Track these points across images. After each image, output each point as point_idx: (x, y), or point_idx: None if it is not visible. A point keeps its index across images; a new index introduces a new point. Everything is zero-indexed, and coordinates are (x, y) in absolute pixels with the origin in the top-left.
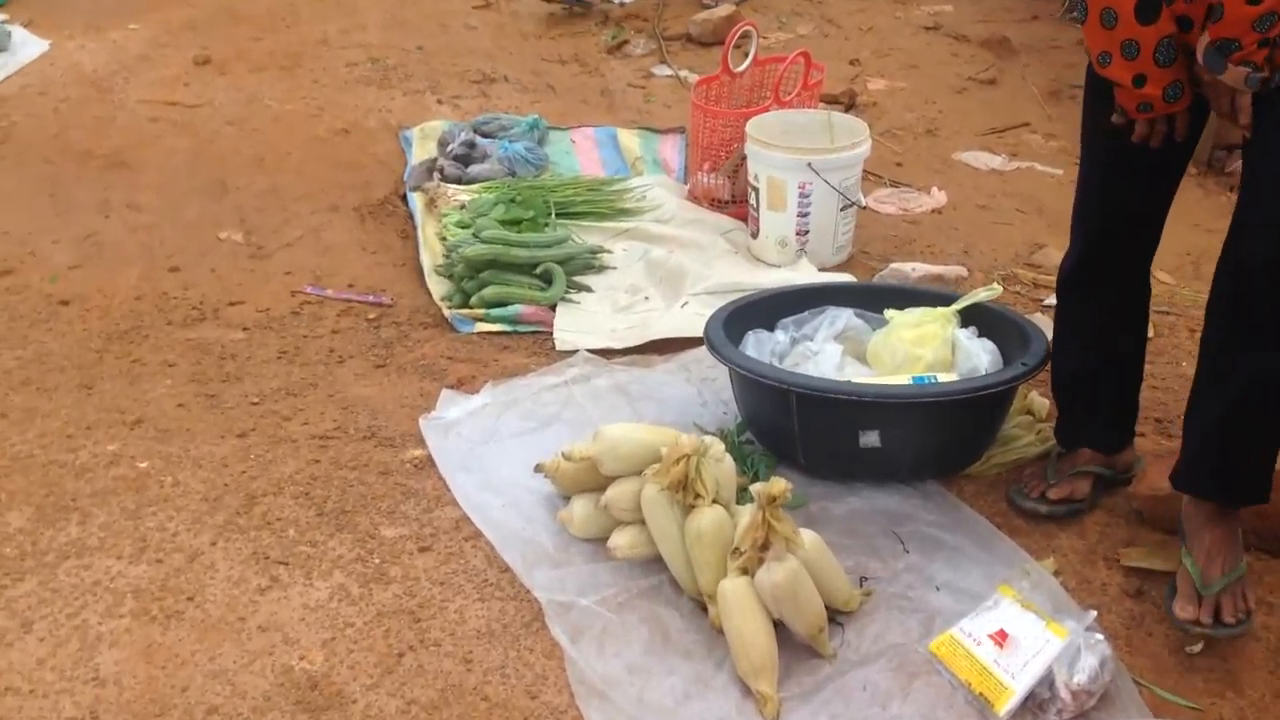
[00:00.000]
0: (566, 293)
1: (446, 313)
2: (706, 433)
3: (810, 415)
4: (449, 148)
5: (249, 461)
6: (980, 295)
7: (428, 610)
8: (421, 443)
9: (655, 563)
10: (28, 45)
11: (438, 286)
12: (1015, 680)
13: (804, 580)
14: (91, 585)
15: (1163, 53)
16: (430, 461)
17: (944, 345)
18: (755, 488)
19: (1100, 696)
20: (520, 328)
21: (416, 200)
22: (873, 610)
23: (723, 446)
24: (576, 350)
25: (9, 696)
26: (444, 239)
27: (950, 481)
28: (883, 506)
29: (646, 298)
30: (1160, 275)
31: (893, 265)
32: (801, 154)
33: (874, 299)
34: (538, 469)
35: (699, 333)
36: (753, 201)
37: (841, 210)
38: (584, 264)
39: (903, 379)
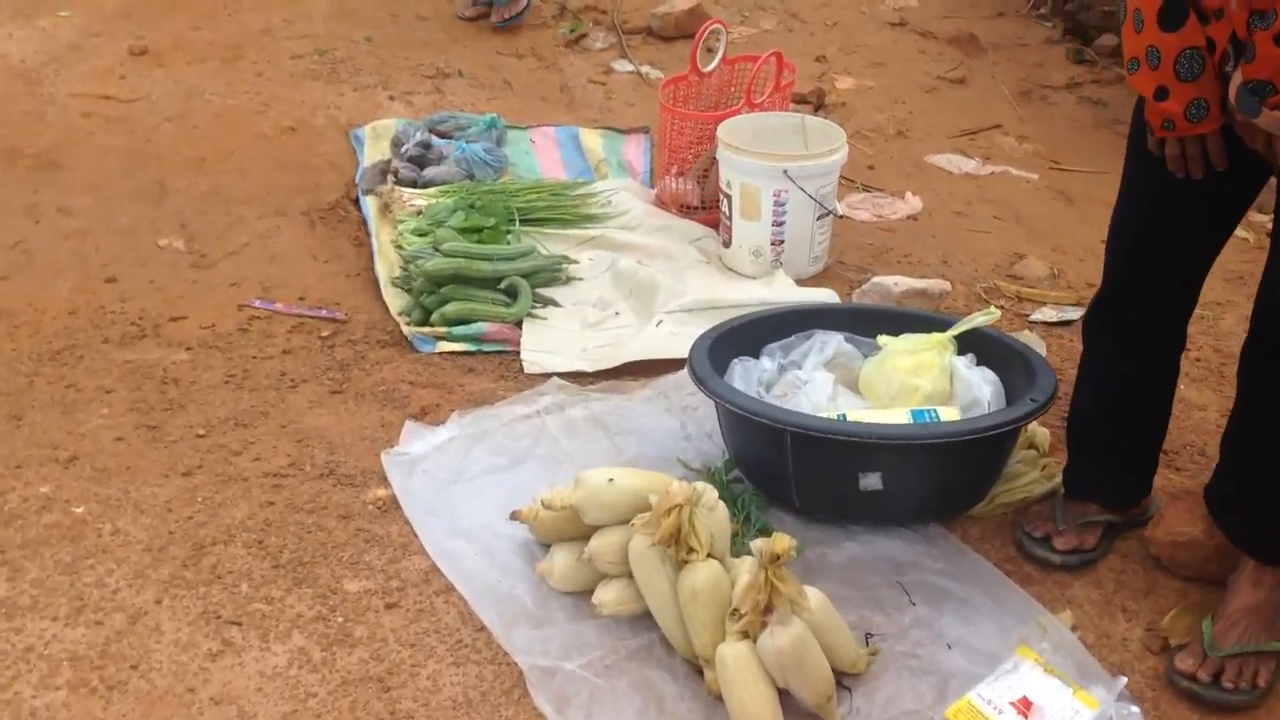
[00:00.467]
0: (533, 308)
1: (406, 330)
2: (691, 469)
3: (806, 456)
4: (403, 148)
5: (196, 505)
6: (978, 320)
7: (397, 677)
8: (384, 481)
9: (644, 619)
10: None
11: (395, 300)
12: None
13: (811, 645)
14: (24, 652)
15: (1184, 65)
16: (394, 503)
17: (942, 375)
18: (756, 545)
19: None
20: (485, 347)
21: (370, 205)
22: (881, 672)
23: (715, 494)
24: (546, 373)
25: None
26: (400, 248)
27: (954, 524)
28: (885, 553)
29: (617, 313)
30: None
31: (874, 279)
32: (776, 160)
33: (863, 322)
34: (514, 517)
35: (675, 354)
36: (725, 209)
37: (818, 219)
38: (550, 277)
39: (900, 413)
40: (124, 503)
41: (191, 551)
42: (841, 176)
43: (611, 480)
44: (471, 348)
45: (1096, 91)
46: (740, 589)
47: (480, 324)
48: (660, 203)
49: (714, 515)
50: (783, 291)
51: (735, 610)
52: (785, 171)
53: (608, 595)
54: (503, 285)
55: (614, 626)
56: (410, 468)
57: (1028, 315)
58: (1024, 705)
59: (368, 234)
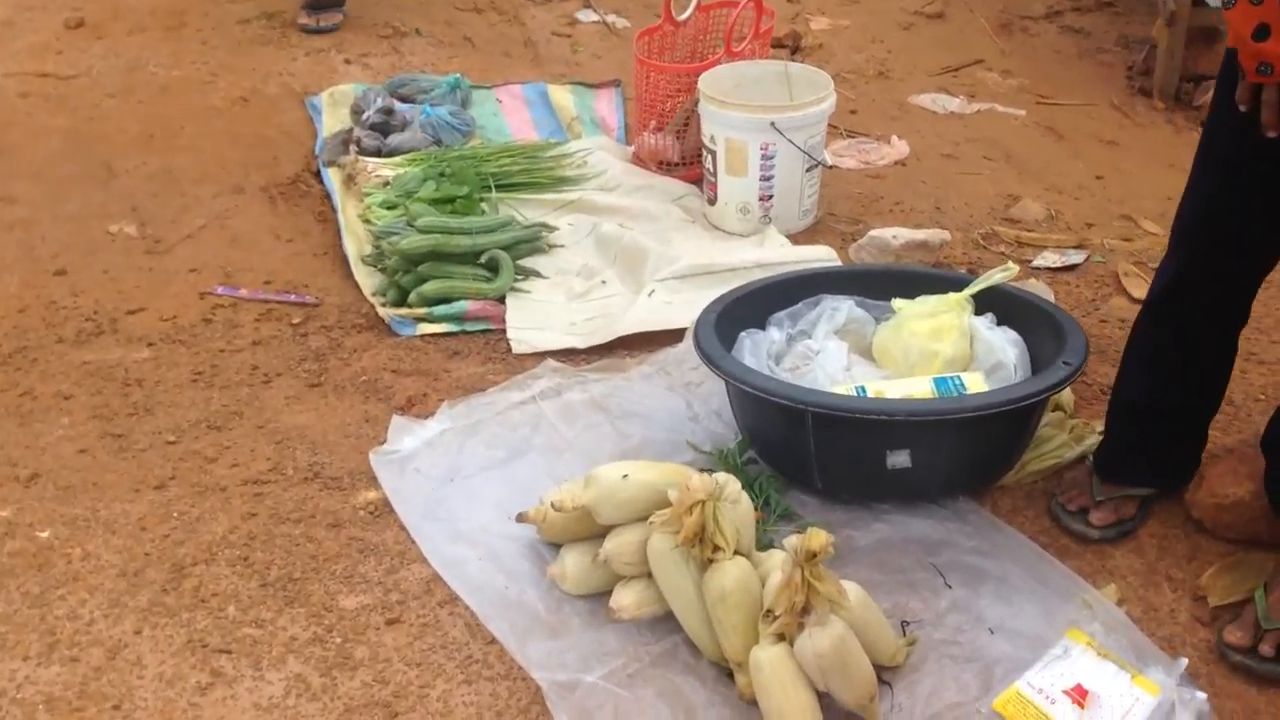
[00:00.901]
0: (515, 281)
1: (383, 313)
2: (702, 452)
3: (829, 436)
4: (364, 115)
5: (172, 521)
6: (995, 277)
7: (405, 700)
8: (374, 482)
9: (666, 620)
10: None
11: (367, 279)
12: None
13: (852, 646)
14: None
15: None
16: (387, 506)
17: (962, 338)
18: (790, 542)
19: None
20: (467, 326)
21: (333, 177)
22: (920, 662)
23: (738, 485)
24: (535, 352)
25: None
26: (368, 222)
27: (984, 496)
28: (915, 533)
29: (604, 282)
30: (1144, 224)
31: (871, 233)
32: (763, 112)
33: (872, 284)
34: (520, 519)
35: (670, 324)
36: (709, 165)
37: (807, 171)
38: (531, 248)
39: (922, 382)
40: (93, 523)
41: (171, 574)
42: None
43: (626, 477)
44: (454, 328)
45: (1077, 20)
46: (773, 588)
47: (461, 302)
48: (638, 160)
49: (738, 509)
50: (777, 251)
51: (769, 611)
52: (773, 123)
53: (627, 599)
54: (483, 260)
55: (635, 631)
56: (401, 467)
57: (1030, 261)
58: (1079, 694)
59: (333, 209)
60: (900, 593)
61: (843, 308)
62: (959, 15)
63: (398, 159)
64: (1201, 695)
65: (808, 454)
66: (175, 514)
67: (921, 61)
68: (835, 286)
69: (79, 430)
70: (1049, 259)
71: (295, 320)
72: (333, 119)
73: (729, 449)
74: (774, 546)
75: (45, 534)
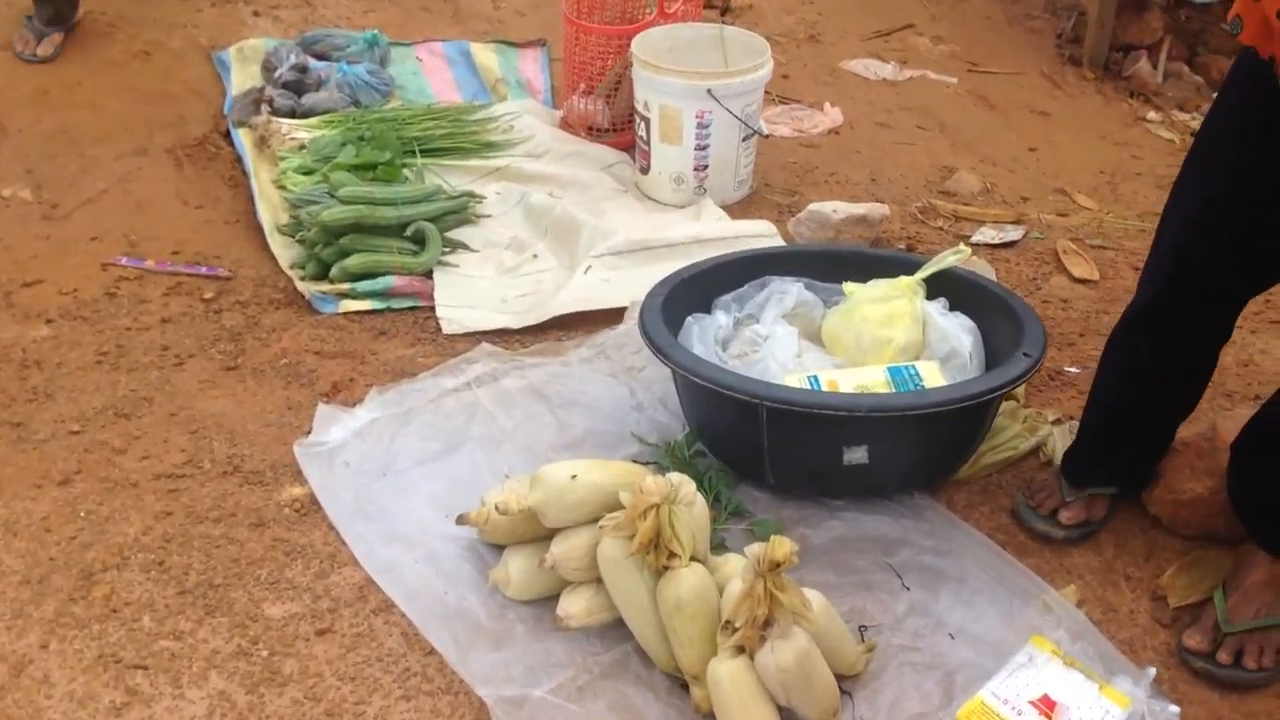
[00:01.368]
0: (442, 254)
1: (303, 288)
2: (647, 444)
3: (784, 431)
4: (276, 73)
5: (79, 521)
6: (948, 259)
7: (339, 718)
8: (299, 477)
9: (616, 627)
10: None
11: (284, 250)
12: None
13: (816, 659)
14: None
15: None
16: (314, 503)
17: (915, 324)
18: (752, 551)
19: None
20: (393, 303)
21: (243, 139)
22: (880, 670)
23: (693, 486)
24: (466, 332)
25: None
26: (283, 188)
27: (939, 490)
28: (871, 531)
29: (535, 255)
30: (1079, 198)
31: (811, 207)
32: (699, 79)
33: (820, 265)
34: (461, 521)
35: (609, 303)
36: (641, 133)
37: (743, 140)
38: (459, 219)
39: (876, 371)
40: None
41: (79, 580)
42: None
43: (575, 477)
44: (379, 305)
45: None
46: (732, 597)
47: (387, 277)
48: (566, 125)
49: (693, 511)
50: (715, 226)
51: (728, 623)
52: (709, 91)
53: (575, 606)
54: (409, 232)
55: (583, 639)
56: (329, 460)
57: (968, 236)
58: (1046, 705)
59: (244, 173)
60: (857, 595)
61: (791, 291)
62: None
63: (313, 120)
64: (1174, 709)
65: (760, 449)
66: (82, 513)
67: (853, 25)
68: (781, 267)
69: None
70: (987, 235)
71: (207, 295)
72: (242, 76)
73: (676, 441)
74: (725, 546)
75: None
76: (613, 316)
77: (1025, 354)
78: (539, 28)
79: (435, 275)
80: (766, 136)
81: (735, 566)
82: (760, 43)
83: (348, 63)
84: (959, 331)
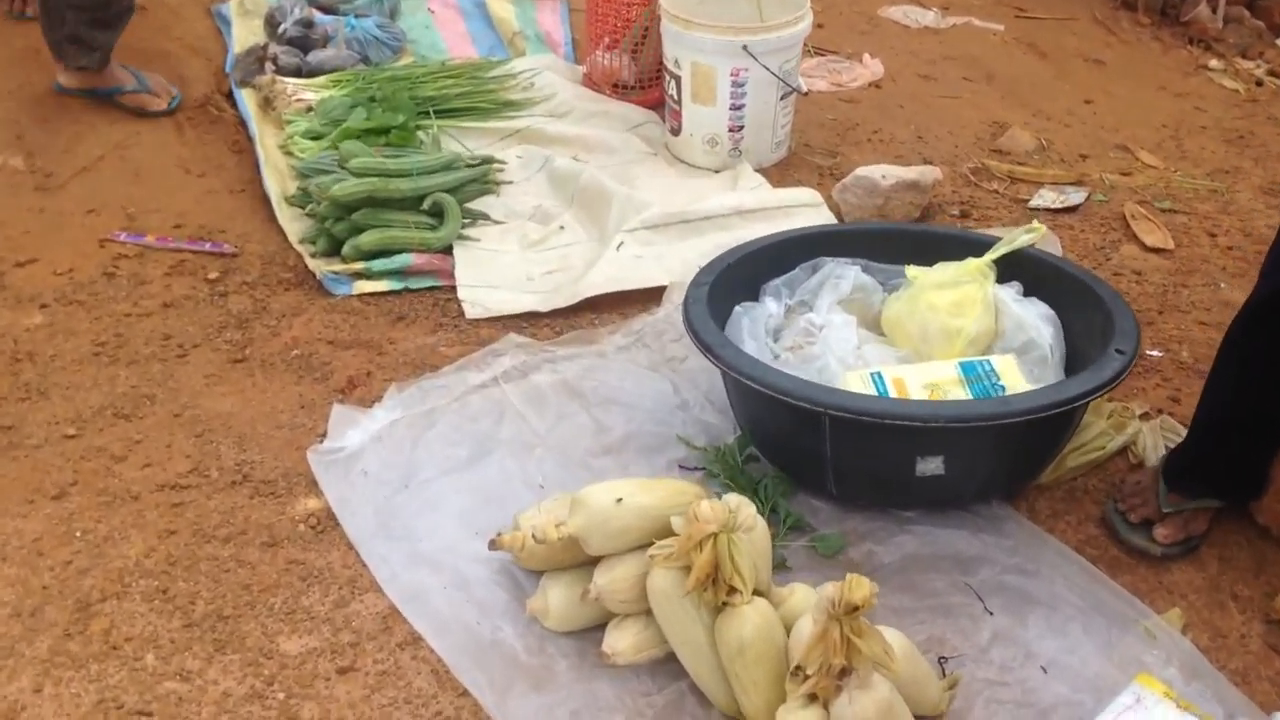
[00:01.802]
0: (462, 228)
1: (313, 266)
2: (695, 448)
3: (849, 441)
4: (280, 28)
5: (75, 542)
6: (1021, 239)
7: None
8: (315, 488)
9: (668, 662)
10: None
11: (292, 223)
12: None
13: (899, 712)
14: None
15: None
16: (331, 519)
17: (986, 312)
18: (826, 593)
19: None
20: (411, 283)
21: (247, 100)
22: (966, 710)
23: (752, 509)
24: (490, 316)
25: None
26: (291, 154)
27: (1019, 497)
28: (946, 547)
29: (561, 227)
30: (1142, 155)
31: (857, 173)
32: (733, 34)
33: (876, 245)
34: (494, 546)
35: (644, 283)
36: (671, 92)
37: (781, 99)
38: (480, 189)
39: (947, 368)
40: None
41: (76, 613)
42: None
43: (620, 501)
44: (396, 285)
45: None
46: (802, 640)
47: (403, 255)
48: (590, 82)
49: (754, 537)
50: (756, 195)
51: (799, 669)
52: (745, 47)
53: (623, 642)
54: (426, 205)
55: (632, 678)
56: (346, 469)
57: (1026, 201)
58: None
59: (249, 138)
60: (935, 621)
61: (847, 275)
62: None
63: (320, 79)
64: None
65: (822, 457)
66: (78, 532)
67: None
68: (835, 248)
69: None
70: (1047, 198)
71: (211, 275)
72: (244, 31)
73: (726, 445)
74: (785, 565)
75: None
76: (648, 297)
77: (1119, 350)
78: None
79: (455, 251)
80: (806, 94)
81: (803, 598)
82: None
83: (355, 16)
84: (1037, 320)
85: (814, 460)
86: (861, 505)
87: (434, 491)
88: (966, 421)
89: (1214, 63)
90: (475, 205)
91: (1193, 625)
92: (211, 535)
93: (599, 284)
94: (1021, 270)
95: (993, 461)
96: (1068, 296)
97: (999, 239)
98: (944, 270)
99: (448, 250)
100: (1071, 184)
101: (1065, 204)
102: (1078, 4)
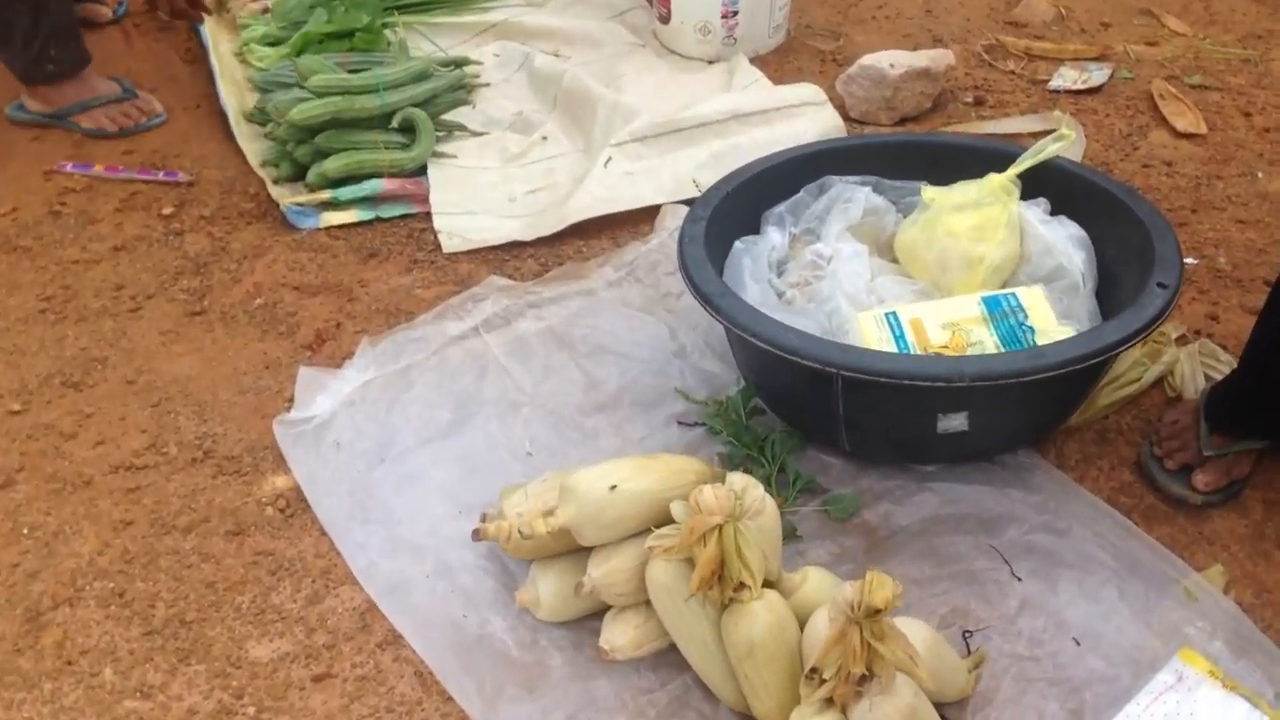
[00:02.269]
0: (437, 143)
1: (275, 194)
2: (694, 402)
3: (864, 400)
4: None
5: (22, 540)
6: (1049, 149)
7: None
8: (282, 461)
9: (670, 652)
10: None
11: (252, 144)
12: None
13: (925, 715)
14: None
15: None
16: (301, 499)
17: (1011, 235)
18: (844, 595)
19: None
20: (383, 211)
21: None
22: (993, 689)
23: (760, 489)
24: (471, 249)
25: None
26: (247, 63)
27: (1046, 443)
28: (969, 505)
29: (544, 137)
30: (1169, 21)
31: (862, 61)
32: None
33: (886, 159)
34: (479, 536)
35: (635, 203)
36: None
37: None
38: (453, 99)
39: (969, 303)
40: None
41: (25, 624)
42: None
43: (614, 488)
44: (366, 215)
45: None
46: (818, 639)
47: (374, 180)
48: None
49: (762, 521)
50: (754, 97)
51: (814, 671)
52: None
53: (622, 637)
54: (395, 122)
55: (632, 673)
56: (315, 441)
57: (1045, 83)
58: None
59: (202, 46)
60: (959, 590)
61: (857, 197)
62: None
63: None
64: None
65: (835, 414)
66: (26, 528)
67: None
68: (841, 165)
69: None
70: (1068, 77)
71: (166, 210)
72: None
73: (729, 398)
74: (796, 534)
75: None
76: (640, 218)
77: (1160, 284)
78: None
79: (430, 171)
80: None
81: (816, 585)
82: None
83: None
84: (1066, 243)
85: (825, 417)
86: (877, 462)
87: (413, 464)
88: (994, 379)
89: None
90: (450, 117)
91: (1235, 580)
92: (171, 525)
93: (587, 207)
94: (1048, 184)
95: (1021, 415)
96: (1100, 213)
97: (1022, 149)
98: (963, 190)
99: (421, 171)
100: (1093, 59)
101: (1088, 84)
102: None
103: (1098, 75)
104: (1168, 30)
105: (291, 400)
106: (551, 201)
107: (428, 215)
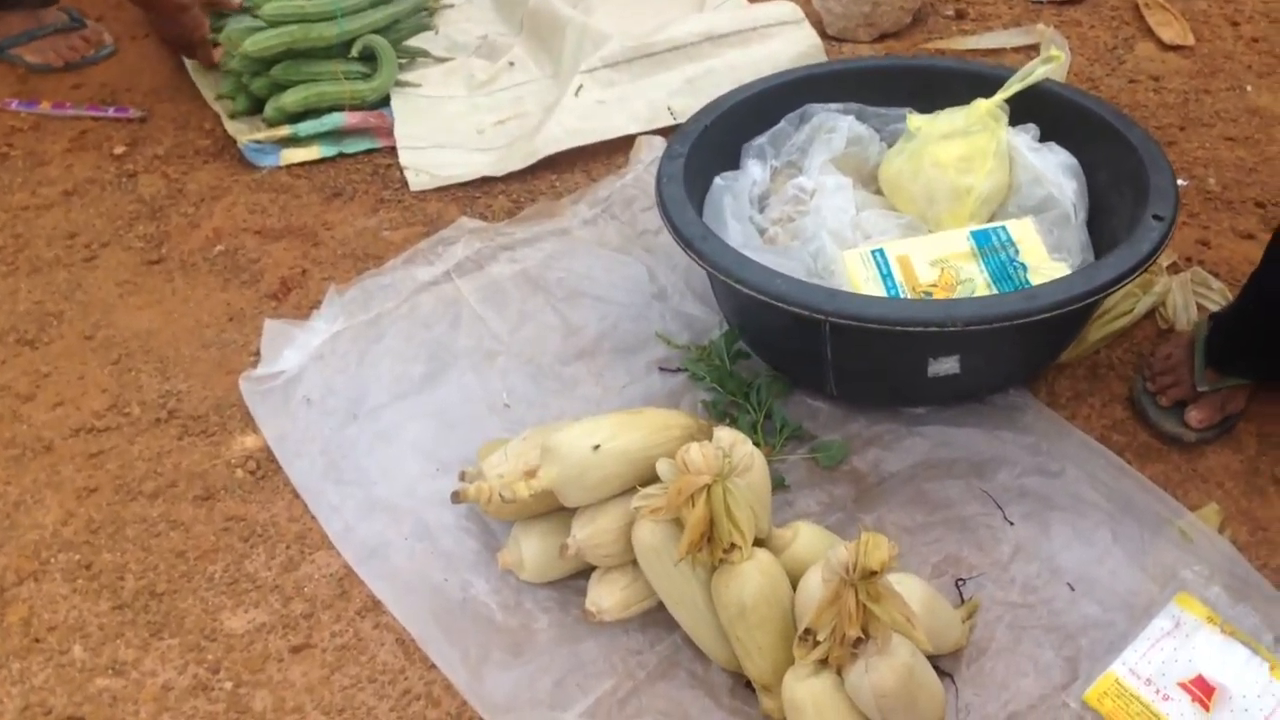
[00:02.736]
0: (400, 71)
1: (232, 129)
2: (676, 346)
3: (853, 345)
4: None
5: None
6: (1038, 71)
7: None
8: (250, 420)
9: (659, 611)
10: None
11: (205, 75)
12: None
13: (920, 673)
14: None
15: None
16: (272, 460)
17: (999, 165)
18: (837, 557)
19: None
20: (347, 146)
21: None
22: (987, 639)
23: (749, 445)
24: (439, 186)
25: None
26: None
27: (1037, 381)
28: (960, 448)
29: (511, 63)
30: None
31: None
32: None
33: (868, 84)
34: (458, 499)
35: (608, 133)
36: None
37: None
38: (415, 25)
39: (958, 238)
40: None
41: None
42: None
43: (598, 448)
44: (329, 151)
45: None
46: (811, 599)
47: (335, 114)
48: None
49: (751, 477)
50: (727, 15)
51: (808, 632)
52: None
53: (609, 599)
54: (355, 51)
55: (621, 634)
56: (284, 397)
57: None
58: (1201, 689)
59: None
60: (951, 537)
61: (840, 127)
62: None
63: None
64: None
65: (822, 359)
66: None
67: None
68: (822, 91)
69: None
70: None
71: (118, 150)
72: None
73: (712, 342)
74: (784, 484)
75: None
76: (614, 148)
77: (1156, 216)
78: None
79: (394, 102)
80: None
81: (808, 541)
82: None
83: None
84: (1056, 172)
85: (813, 362)
86: (865, 406)
87: (387, 420)
88: (987, 323)
89: None
90: (413, 43)
91: (1230, 518)
92: (137, 491)
93: (558, 139)
94: (1037, 108)
95: (1014, 356)
96: (1092, 139)
97: (1010, 71)
98: (949, 118)
99: (385, 102)
100: None
101: None
102: None
103: None
104: None
105: (258, 355)
106: (521, 133)
107: (393, 150)
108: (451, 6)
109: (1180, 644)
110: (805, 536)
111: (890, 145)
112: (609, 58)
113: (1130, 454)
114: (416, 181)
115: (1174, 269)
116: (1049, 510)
